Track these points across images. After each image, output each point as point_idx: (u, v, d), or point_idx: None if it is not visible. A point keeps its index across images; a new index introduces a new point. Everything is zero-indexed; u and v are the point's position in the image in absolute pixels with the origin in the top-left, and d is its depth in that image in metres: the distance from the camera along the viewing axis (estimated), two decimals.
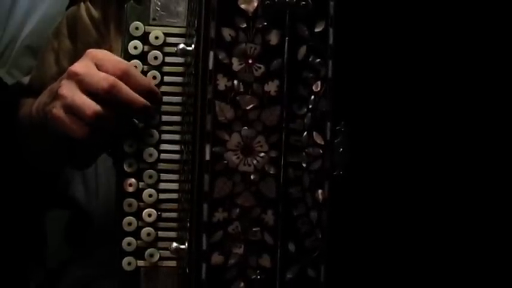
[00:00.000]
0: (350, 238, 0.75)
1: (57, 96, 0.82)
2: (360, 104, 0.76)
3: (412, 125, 0.76)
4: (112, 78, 0.80)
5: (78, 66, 0.82)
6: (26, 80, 1.06)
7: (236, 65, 0.72)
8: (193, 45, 0.74)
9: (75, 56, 1.00)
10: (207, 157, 0.72)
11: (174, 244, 0.75)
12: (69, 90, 0.81)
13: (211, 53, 0.72)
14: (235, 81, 0.72)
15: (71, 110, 0.81)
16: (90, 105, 0.80)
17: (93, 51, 0.83)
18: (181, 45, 0.75)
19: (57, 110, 0.82)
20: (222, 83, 0.72)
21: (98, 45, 0.98)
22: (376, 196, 0.76)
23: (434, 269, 0.75)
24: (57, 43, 1.02)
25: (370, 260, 0.76)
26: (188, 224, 0.74)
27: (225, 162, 0.72)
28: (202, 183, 0.72)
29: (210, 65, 0.72)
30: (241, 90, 0.73)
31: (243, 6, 0.73)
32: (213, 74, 0.72)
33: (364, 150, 0.75)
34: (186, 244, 0.74)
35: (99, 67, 0.81)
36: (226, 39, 0.72)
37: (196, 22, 0.74)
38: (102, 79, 0.80)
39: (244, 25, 0.72)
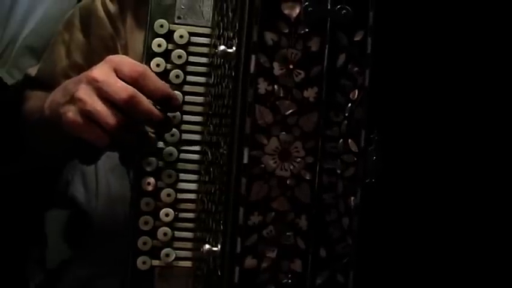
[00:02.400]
0: (379, 245, 0.76)
1: (74, 99, 0.81)
2: (393, 114, 0.77)
3: (444, 136, 0.78)
4: (131, 89, 0.79)
5: (98, 73, 0.81)
6: (32, 71, 1.04)
7: (277, 69, 0.72)
8: (234, 48, 0.74)
9: (88, 50, 0.99)
10: (245, 160, 0.72)
11: (207, 246, 0.75)
12: (88, 96, 0.80)
13: (253, 57, 0.72)
14: (276, 86, 0.72)
15: (91, 116, 0.80)
16: (113, 115, 0.79)
17: (112, 57, 0.82)
18: (222, 47, 0.75)
19: (74, 115, 0.81)
20: (263, 87, 0.72)
21: (113, 41, 0.97)
22: (406, 205, 0.77)
23: (466, 278, 0.77)
24: (69, 35, 1.00)
25: (399, 268, 0.77)
26: (221, 227, 0.74)
27: (262, 166, 0.72)
28: (239, 186, 0.72)
29: (252, 69, 0.72)
30: (281, 95, 0.73)
31: (286, 11, 0.73)
32: (254, 77, 0.72)
33: (396, 159, 0.76)
34: (219, 246, 0.74)
35: (117, 73, 0.80)
36: (268, 43, 0.72)
37: (237, 25, 0.73)
38: (122, 89, 0.79)
39: (287, 30, 0.72)
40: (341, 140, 0.74)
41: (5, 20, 1.14)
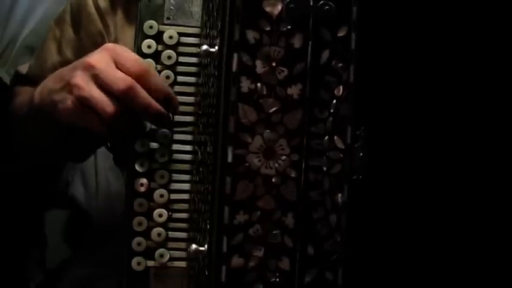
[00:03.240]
0: (367, 242, 0.76)
1: (70, 86, 0.80)
2: (380, 110, 0.76)
3: (431, 132, 0.77)
4: (130, 80, 0.79)
5: (96, 60, 0.80)
6: (23, 68, 1.04)
7: (260, 67, 0.72)
8: (216, 47, 0.74)
9: (78, 46, 0.98)
10: (229, 159, 0.72)
11: (194, 246, 0.75)
12: (85, 83, 0.79)
13: (235, 55, 0.72)
14: (259, 84, 0.72)
15: (88, 103, 0.79)
16: (110, 104, 0.78)
17: (111, 46, 0.82)
18: (205, 47, 0.75)
19: (71, 102, 0.79)
20: (246, 85, 0.72)
21: (102, 36, 0.96)
22: (394, 201, 0.76)
23: (454, 275, 0.76)
24: (60, 31, 0.99)
25: (387, 264, 0.76)
26: (208, 226, 0.74)
27: (247, 164, 0.72)
28: (224, 185, 0.72)
29: (234, 67, 0.72)
30: (265, 93, 0.72)
31: (267, 9, 0.72)
32: (236, 76, 0.72)
33: (382, 155, 0.76)
34: (206, 246, 0.74)
35: (117, 64, 0.80)
36: (250, 41, 0.72)
37: (219, 24, 0.73)
38: (120, 79, 0.79)
39: (268, 28, 0.72)
40: (326, 137, 0.74)
41: (5, 20, 1.15)
